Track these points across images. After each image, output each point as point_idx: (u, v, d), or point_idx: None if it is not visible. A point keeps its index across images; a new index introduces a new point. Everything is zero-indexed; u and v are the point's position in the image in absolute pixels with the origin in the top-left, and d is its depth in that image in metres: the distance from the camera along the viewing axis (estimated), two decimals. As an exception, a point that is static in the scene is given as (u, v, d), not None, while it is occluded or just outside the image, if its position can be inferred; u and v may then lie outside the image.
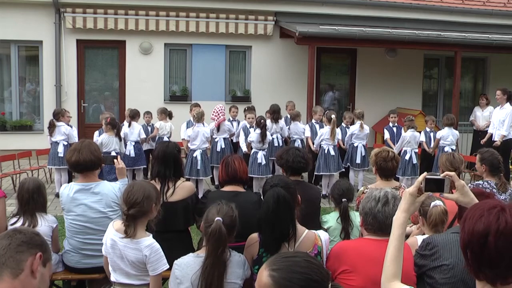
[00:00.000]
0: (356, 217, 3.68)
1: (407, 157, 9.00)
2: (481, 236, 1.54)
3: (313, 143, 9.19)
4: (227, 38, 11.95)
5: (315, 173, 9.07)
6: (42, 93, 11.54)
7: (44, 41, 11.29)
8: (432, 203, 3.30)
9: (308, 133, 9.39)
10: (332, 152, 8.89)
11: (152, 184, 3.28)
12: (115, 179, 4.18)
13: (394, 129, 9.91)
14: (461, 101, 13.00)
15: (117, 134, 8.19)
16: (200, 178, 8.48)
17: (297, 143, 9.37)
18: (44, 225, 3.81)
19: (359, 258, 2.69)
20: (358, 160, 9.28)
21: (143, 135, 9.24)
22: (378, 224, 2.72)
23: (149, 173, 9.13)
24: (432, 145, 9.48)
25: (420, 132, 9.43)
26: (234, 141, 9.51)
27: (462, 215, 2.91)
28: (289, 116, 9.84)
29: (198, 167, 8.37)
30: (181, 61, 12.21)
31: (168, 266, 3.11)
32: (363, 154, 9.26)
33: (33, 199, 3.80)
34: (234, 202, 3.03)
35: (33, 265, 1.77)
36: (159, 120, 9.55)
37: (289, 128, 9.56)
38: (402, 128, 9.59)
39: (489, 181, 4.65)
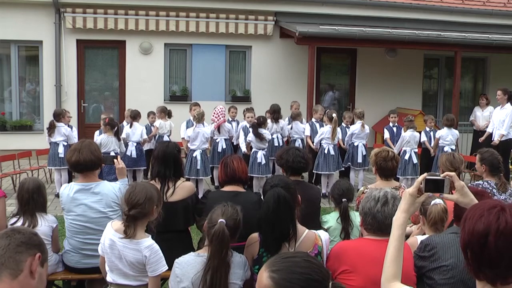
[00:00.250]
0: (356, 217, 3.68)
1: (406, 157, 9.01)
2: (481, 236, 1.54)
3: (312, 142, 9.19)
4: (227, 38, 11.95)
5: (313, 171, 9.07)
6: (42, 93, 11.54)
7: (44, 41, 11.29)
8: (432, 202, 3.30)
9: (308, 132, 9.40)
10: (332, 152, 8.89)
11: (154, 185, 3.27)
12: (115, 179, 4.18)
13: (394, 129, 9.91)
14: (461, 101, 13.00)
15: (116, 134, 8.18)
16: (200, 178, 8.48)
17: (298, 143, 9.37)
18: (44, 225, 3.81)
19: (359, 258, 2.69)
20: (359, 159, 9.29)
21: (145, 136, 9.25)
22: (378, 224, 2.72)
23: (149, 173, 9.14)
24: (432, 144, 9.47)
25: (420, 132, 9.43)
26: (235, 143, 9.51)
27: (458, 215, 2.93)
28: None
29: (198, 167, 8.37)
30: (181, 61, 12.21)
31: (167, 268, 3.11)
32: (364, 153, 9.27)
33: (33, 199, 3.80)
34: (234, 202, 3.03)
35: (32, 265, 1.77)
36: (158, 119, 9.55)
37: (291, 128, 9.56)
38: (402, 128, 9.58)
39: (489, 181, 4.65)
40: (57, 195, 7.62)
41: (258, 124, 8.55)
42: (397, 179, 7.75)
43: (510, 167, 9.59)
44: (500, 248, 1.51)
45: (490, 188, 4.58)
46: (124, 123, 9.55)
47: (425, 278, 2.82)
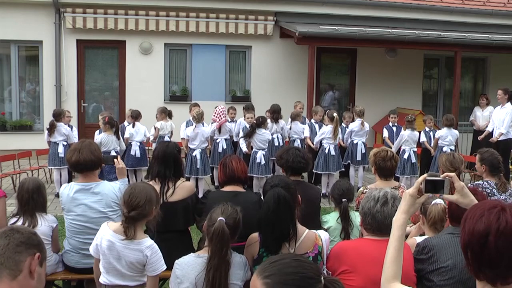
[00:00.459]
0: (356, 217, 3.68)
1: (405, 156, 9.01)
2: (482, 236, 1.54)
3: (312, 143, 9.19)
4: (227, 38, 11.95)
5: (314, 171, 9.07)
6: (42, 93, 11.54)
7: (44, 41, 11.29)
8: (433, 201, 3.30)
9: (307, 133, 9.40)
10: (333, 152, 8.90)
11: (152, 186, 3.28)
12: (116, 179, 4.18)
13: (394, 128, 9.92)
14: (461, 101, 13.00)
15: (116, 133, 8.18)
16: (200, 177, 8.48)
17: (297, 143, 9.37)
18: (44, 225, 3.81)
19: (359, 258, 2.69)
20: (359, 157, 9.31)
21: (149, 135, 9.27)
22: (377, 224, 2.72)
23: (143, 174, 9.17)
24: (431, 144, 9.48)
25: (419, 132, 9.44)
26: (235, 140, 9.51)
27: (452, 215, 2.92)
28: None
29: (198, 166, 8.38)
30: (181, 61, 12.21)
31: (166, 267, 3.11)
32: (363, 151, 9.29)
33: (33, 199, 3.80)
34: (234, 202, 3.03)
35: (32, 265, 1.76)
36: (158, 120, 9.54)
37: (290, 128, 9.56)
38: (402, 128, 9.59)
39: (489, 181, 4.64)
40: (57, 195, 7.62)
41: (257, 125, 8.56)
42: (397, 179, 7.76)
43: (510, 167, 9.59)
44: (500, 248, 1.51)
45: (490, 188, 4.58)
46: (126, 123, 9.54)
47: (424, 280, 2.81)
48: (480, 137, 9.86)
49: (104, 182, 3.91)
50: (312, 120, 9.71)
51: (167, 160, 3.91)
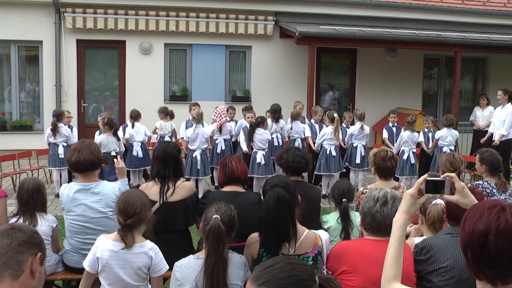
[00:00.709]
0: (356, 217, 3.68)
1: (405, 157, 9.01)
2: (482, 236, 1.54)
3: (313, 143, 9.19)
4: (227, 38, 11.95)
5: (315, 172, 9.07)
6: (42, 93, 11.53)
7: (44, 41, 11.29)
8: (433, 201, 3.30)
9: (308, 133, 9.39)
10: (334, 153, 8.90)
11: (142, 191, 3.30)
12: (116, 180, 4.18)
13: (394, 129, 9.91)
14: (461, 101, 13.00)
15: (115, 134, 8.18)
16: (200, 178, 8.48)
17: (297, 142, 9.37)
18: (44, 225, 3.81)
19: (359, 259, 2.69)
20: (358, 160, 9.29)
21: (149, 133, 9.28)
22: (376, 224, 2.72)
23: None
24: (430, 145, 9.48)
25: (419, 132, 9.44)
26: (234, 140, 9.51)
27: (450, 215, 2.92)
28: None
29: (198, 167, 8.37)
30: (181, 61, 12.21)
31: (168, 267, 3.11)
32: (362, 154, 9.27)
33: (32, 199, 3.80)
34: (234, 202, 3.03)
35: (33, 265, 1.76)
36: (160, 119, 9.55)
37: (291, 128, 9.55)
38: (402, 129, 9.59)
39: (489, 181, 4.64)
40: (57, 195, 7.62)
41: (256, 124, 8.56)
42: (396, 179, 7.76)
43: (510, 167, 9.59)
44: (500, 248, 1.51)
45: (490, 188, 4.58)
46: (128, 123, 9.51)
47: (424, 281, 2.80)
48: (482, 140, 9.82)
49: (104, 182, 3.91)
50: (312, 120, 9.71)
51: (167, 160, 3.91)
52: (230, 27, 11.80)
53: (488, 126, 10.29)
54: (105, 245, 3.05)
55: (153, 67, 11.78)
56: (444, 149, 8.93)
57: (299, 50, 11.88)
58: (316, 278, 1.46)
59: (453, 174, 2.07)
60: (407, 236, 3.49)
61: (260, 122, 8.58)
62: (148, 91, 11.64)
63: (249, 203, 3.61)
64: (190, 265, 2.77)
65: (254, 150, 8.65)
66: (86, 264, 3.08)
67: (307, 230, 2.94)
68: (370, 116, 11.30)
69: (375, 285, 2.26)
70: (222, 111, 9.10)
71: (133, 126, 9.08)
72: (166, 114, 9.53)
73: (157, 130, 9.47)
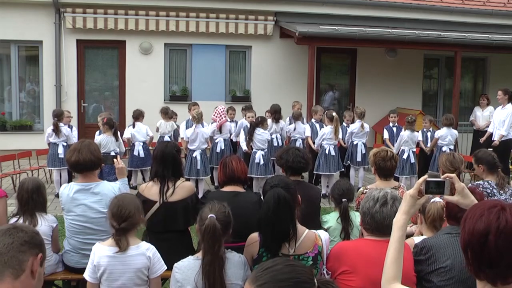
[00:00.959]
0: (356, 217, 3.68)
1: (404, 157, 9.02)
2: (482, 235, 1.54)
3: (313, 143, 9.20)
4: (227, 38, 11.95)
5: (314, 172, 9.07)
6: (42, 93, 11.53)
7: (44, 41, 11.29)
8: (432, 199, 3.30)
9: (308, 133, 9.40)
10: (333, 152, 8.90)
11: (133, 194, 3.33)
12: (116, 179, 4.18)
13: (394, 129, 9.93)
14: (461, 101, 13.00)
15: (115, 134, 8.17)
16: (200, 178, 8.48)
17: (299, 143, 9.37)
18: (44, 224, 3.81)
19: (359, 259, 2.69)
20: (359, 158, 9.32)
21: (151, 134, 9.26)
22: (376, 224, 2.72)
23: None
24: (429, 144, 9.48)
25: (418, 132, 9.45)
26: (234, 140, 9.51)
27: (449, 214, 2.92)
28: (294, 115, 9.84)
29: (198, 167, 8.37)
30: (181, 61, 12.21)
31: (166, 267, 3.10)
32: (363, 152, 9.30)
33: (32, 199, 3.79)
34: (234, 202, 3.03)
35: (34, 265, 1.76)
36: (161, 119, 9.54)
37: (294, 129, 9.54)
38: (403, 128, 9.59)
39: (489, 181, 4.65)
40: (57, 195, 7.62)
41: (256, 124, 8.55)
42: (396, 179, 7.76)
43: (510, 167, 9.59)
44: (500, 248, 1.51)
45: (491, 188, 4.59)
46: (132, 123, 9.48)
47: (424, 281, 2.80)
48: (481, 139, 9.84)
49: (104, 182, 3.91)
50: (313, 120, 9.71)
51: (166, 160, 3.90)
52: (230, 27, 11.80)
53: (488, 126, 10.29)
54: (102, 252, 3.03)
55: (153, 67, 11.78)
56: (444, 148, 8.94)
57: (299, 50, 11.88)
58: (315, 280, 1.46)
59: (453, 175, 2.07)
60: (408, 236, 3.49)
61: (260, 122, 8.58)
62: (148, 91, 11.64)
63: (249, 203, 3.61)
64: (190, 266, 2.77)
65: (253, 150, 8.64)
66: (86, 275, 3.07)
67: (307, 230, 2.94)
68: (370, 116, 11.30)
69: (375, 285, 2.26)
70: (221, 111, 9.10)
71: (134, 126, 9.08)
72: (166, 113, 9.53)
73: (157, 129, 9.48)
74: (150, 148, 9.14)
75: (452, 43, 11.21)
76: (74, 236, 3.83)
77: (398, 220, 2.02)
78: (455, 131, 9.43)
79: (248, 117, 9.24)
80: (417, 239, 3.14)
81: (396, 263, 1.94)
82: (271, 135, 9.08)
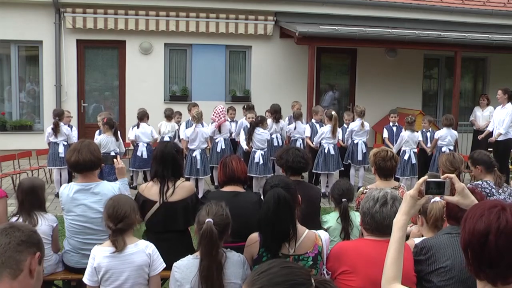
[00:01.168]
0: (356, 217, 3.67)
1: (405, 157, 9.01)
2: (482, 235, 1.54)
3: (312, 142, 9.20)
4: (227, 38, 11.95)
5: (313, 170, 9.07)
6: (42, 93, 11.53)
7: (44, 41, 11.29)
8: (432, 200, 3.29)
9: (308, 133, 9.40)
10: (332, 151, 8.90)
11: (129, 196, 3.34)
12: (116, 180, 4.17)
13: (394, 128, 9.93)
14: (461, 101, 13.00)
15: (115, 134, 8.16)
16: (200, 177, 8.48)
17: (299, 142, 9.37)
18: (44, 224, 3.80)
19: (359, 259, 2.69)
20: (359, 157, 9.33)
21: (156, 135, 9.25)
22: (376, 224, 2.72)
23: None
24: (429, 144, 9.48)
25: (418, 132, 9.45)
26: (236, 139, 9.50)
27: (449, 214, 2.92)
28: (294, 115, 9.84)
29: (198, 167, 8.38)
30: (181, 61, 12.21)
31: (165, 265, 3.10)
32: (364, 150, 9.31)
33: (27, 200, 3.77)
34: (234, 202, 3.03)
35: (32, 265, 1.75)
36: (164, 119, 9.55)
37: (294, 128, 9.55)
38: (403, 129, 9.59)
39: (488, 181, 4.65)
40: (57, 195, 7.61)
41: (256, 124, 8.56)
42: (397, 180, 7.76)
43: (510, 167, 9.59)
44: (501, 248, 1.51)
45: (490, 188, 4.59)
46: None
47: (424, 282, 2.80)
48: (480, 136, 9.87)
49: (104, 182, 3.91)
50: (313, 120, 9.71)
51: (165, 160, 3.90)
52: (230, 27, 11.80)
53: (488, 126, 10.30)
54: (102, 253, 3.03)
55: (153, 67, 11.78)
56: (444, 149, 8.94)
57: (299, 50, 11.88)
58: (313, 280, 1.46)
59: (453, 175, 2.07)
60: (408, 237, 3.49)
61: (259, 122, 8.58)
62: (148, 91, 11.64)
63: (249, 203, 3.61)
64: (189, 266, 2.77)
65: (253, 149, 8.65)
66: (85, 278, 3.06)
67: (307, 230, 2.94)
68: (370, 116, 11.30)
69: (375, 285, 2.25)
70: (221, 111, 9.10)
71: (138, 126, 9.07)
72: (168, 117, 9.53)
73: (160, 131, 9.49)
74: (153, 149, 9.11)
75: (452, 43, 11.21)
76: (74, 236, 3.83)
77: (398, 221, 2.02)
78: (455, 132, 9.43)
79: (249, 118, 9.24)
80: (417, 240, 3.14)
81: (396, 264, 1.94)
82: (271, 135, 9.09)
